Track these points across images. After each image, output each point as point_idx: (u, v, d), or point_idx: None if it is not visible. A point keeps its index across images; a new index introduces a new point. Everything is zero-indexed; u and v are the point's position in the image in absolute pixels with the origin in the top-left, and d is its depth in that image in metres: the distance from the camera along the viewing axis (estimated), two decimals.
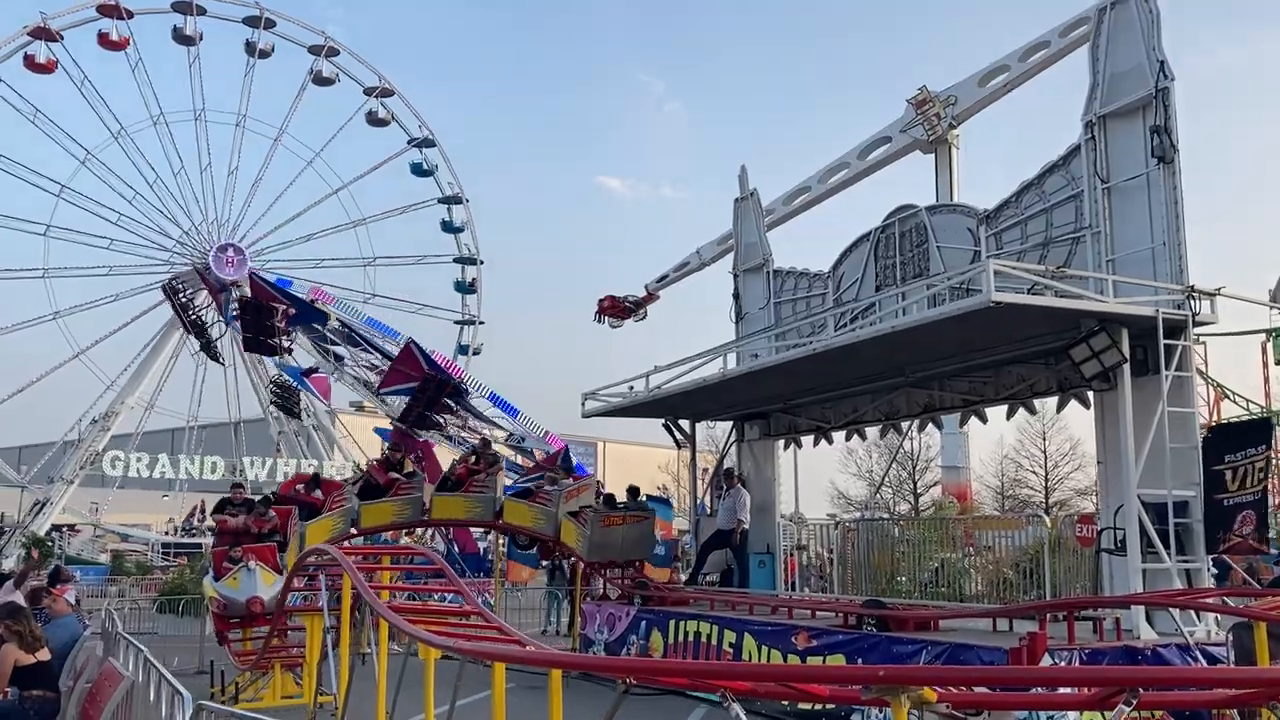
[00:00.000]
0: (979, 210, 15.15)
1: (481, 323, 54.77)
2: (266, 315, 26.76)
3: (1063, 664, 10.10)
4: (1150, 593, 11.03)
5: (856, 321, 15.85)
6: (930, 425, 19.86)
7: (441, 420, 27.05)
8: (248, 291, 33.93)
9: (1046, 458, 54.79)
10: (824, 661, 12.38)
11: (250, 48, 53.18)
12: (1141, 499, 11.63)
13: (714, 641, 14.40)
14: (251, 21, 52.75)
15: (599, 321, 23.95)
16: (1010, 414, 14.87)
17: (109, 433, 51.61)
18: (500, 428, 30.66)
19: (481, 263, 54.61)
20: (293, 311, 28.03)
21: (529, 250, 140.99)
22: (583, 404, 18.88)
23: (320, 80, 53.94)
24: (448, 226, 54.11)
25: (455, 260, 54.55)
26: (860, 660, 11.84)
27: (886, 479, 57.61)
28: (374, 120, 54.24)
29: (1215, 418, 49.84)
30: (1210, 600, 10.43)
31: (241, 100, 54.13)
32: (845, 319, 16.29)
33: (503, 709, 6.00)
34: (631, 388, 18.06)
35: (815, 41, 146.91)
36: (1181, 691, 4.61)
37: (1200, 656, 10.29)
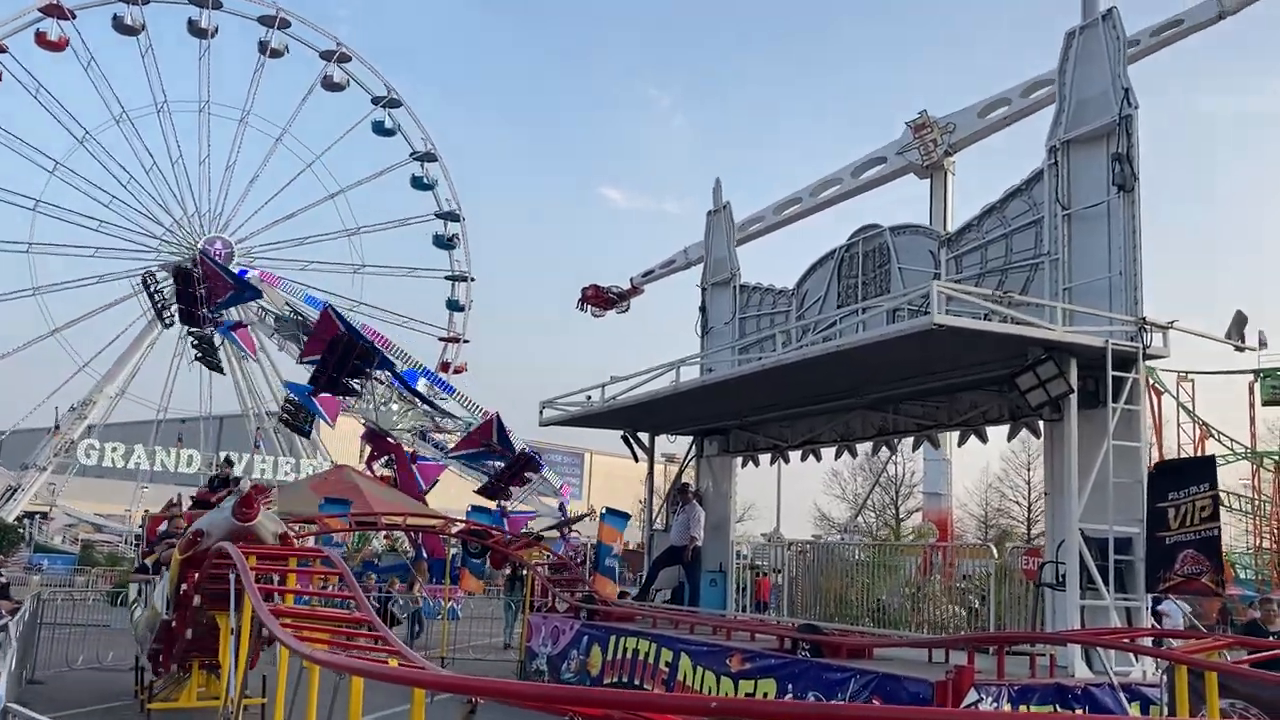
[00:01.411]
0: (940, 233, 14.94)
1: (466, 341, 54.61)
2: (195, 285, 26.66)
3: (989, 699, 9.84)
4: (1075, 630, 10.78)
5: (813, 341, 15.59)
6: (916, 449, 19.60)
7: (356, 385, 26.44)
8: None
9: (1030, 488, 54.53)
10: (755, 684, 12.10)
11: (263, 46, 53.19)
12: (1084, 533, 11.37)
13: (651, 660, 14.10)
14: (267, 21, 52.75)
15: (581, 309, 23.99)
16: (962, 440, 14.61)
17: (85, 421, 51.33)
18: (437, 407, 30.60)
19: (472, 279, 54.52)
20: (231, 289, 27.87)
21: (526, 259, 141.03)
22: (540, 412, 18.61)
23: (330, 85, 53.96)
24: (441, 242, 54.02)
25: (447, 277, 54.46)
26: (790, 685, 11.56)
27: (869, 503, 57.37)
28: (379, 130, 54.20)
29: (1201, 455, 49.70)
30: (1128, 640, 10.17)
31: (248, 97, 54.17)
32: (803, 336, 16.03)
33: None
34: (589, 397, 17.80)
35: (823, 61, 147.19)
36: None
37: (1123, 698, 9.99)
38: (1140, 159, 12.19)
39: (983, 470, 59.83)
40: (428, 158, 54.09)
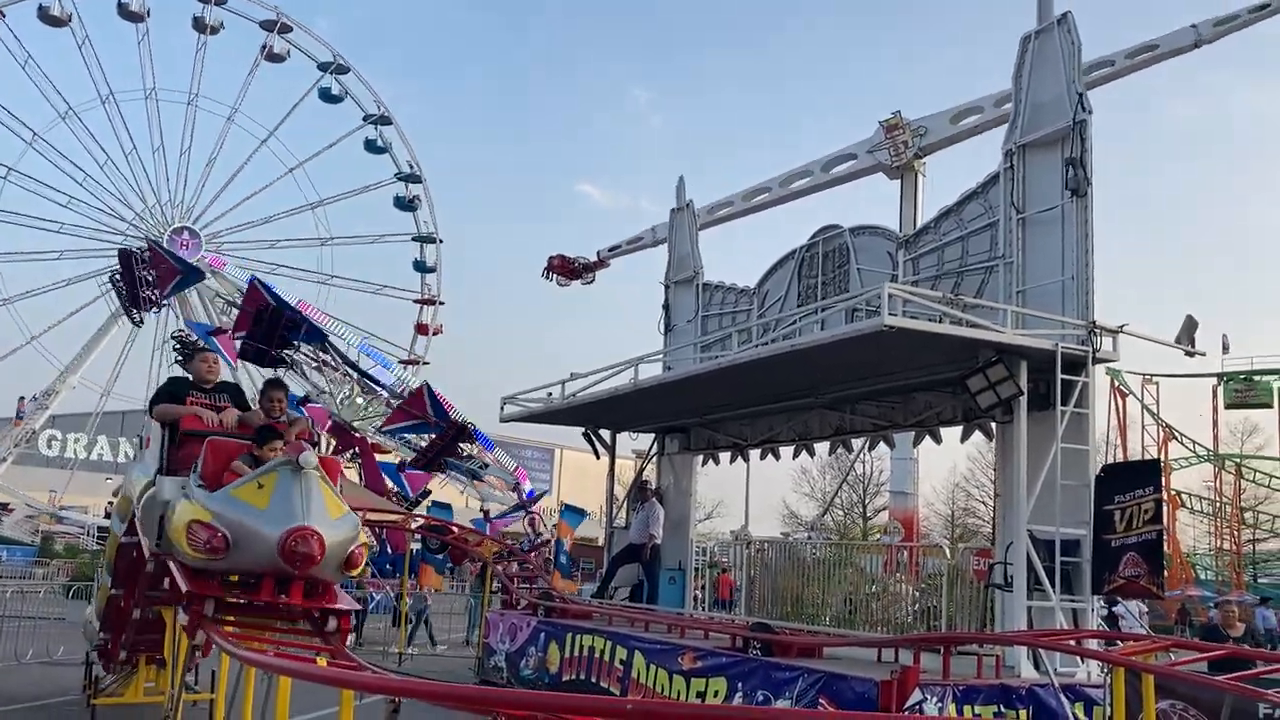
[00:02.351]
0: (899, 234, 15.00)
1: (441, 303, 53.98)
2: (137, 267, 26.28)
3: (934, 699, 9.90)
4: (1021, 631, 10.87)
5: (773, 340, 15.63)
6: (883, 446, 19.67)
7: (286, 358, 26.05)
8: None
9: (996, 489, 54.95)
10: (707, 683, 12.12)
11: (199, 24, 52.10)
12: (1033, 535, 11.47)
13: (606, 657, 14.11)
14: None
15: (546, 278, 24.11)
16: (917, 441, 14.73)
17: (47, 411, 50.70)
18: (375, 381, 30.43)
19: (440, 241, 53.84)
20: (178, 274, 27.44)
21: (500, 253, 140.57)
22: (501, 408, 18.56)
23: (272, 57, 52.90)
24: (402, 203, 53.19)
25: (414, 239, 53.76)
26: (741, 684, 11.59)
27: (838, 501, 57.61)
28: (327, 97, 53.13)
29: (1165, 458, 50.34)
30: (1072, 642, 10.26)
31: (192, 79, 53.09)
32: (763, 335, 16.07)
33: None
34: (550, 394, 17.77)
35: (803, 62, 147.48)
36: None
37: (1064, 699, 10.09)
38: (1093, 163, 12.29)
39: (950, 469, 60.27)
40: (382, 120, 53.30)
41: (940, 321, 12.11)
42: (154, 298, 27.57)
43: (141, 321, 30.31)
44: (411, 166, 53.36)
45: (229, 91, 54.46)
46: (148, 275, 25.85)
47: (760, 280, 17.42)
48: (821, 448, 17.04)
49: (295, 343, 23.35)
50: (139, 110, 52.52)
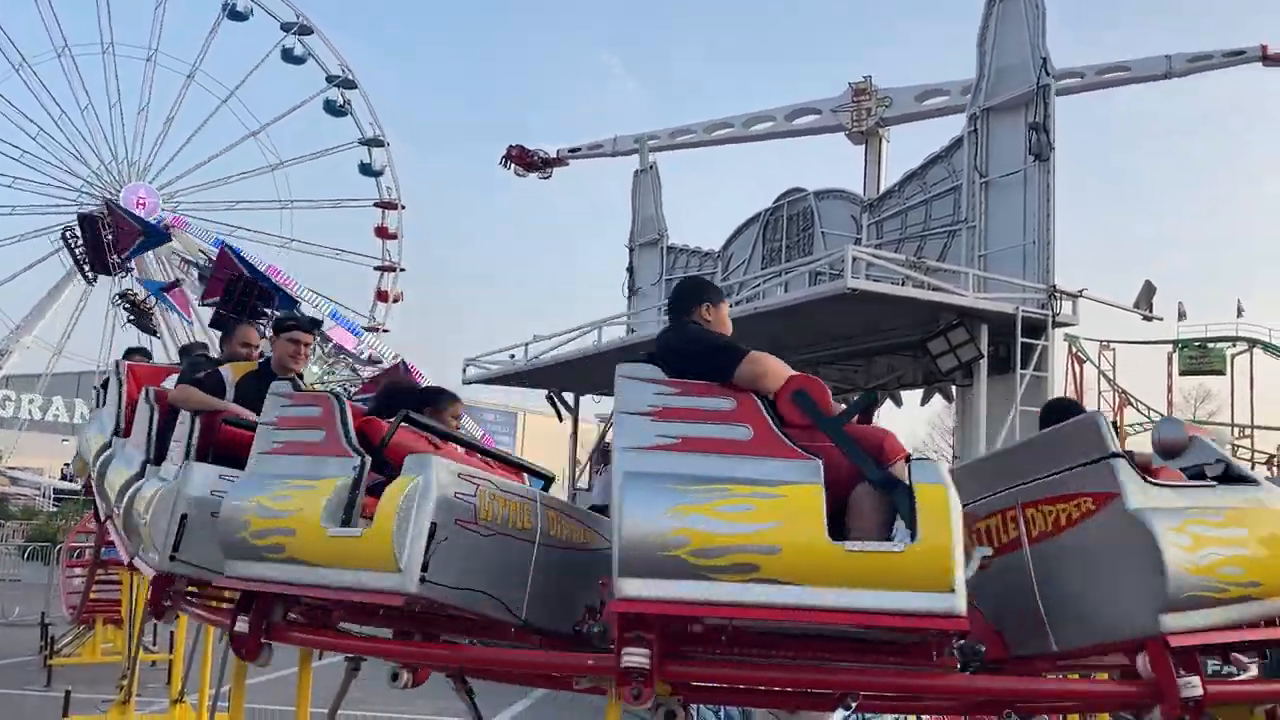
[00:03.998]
0: (863, 198, 15.03)
1: (403, 269, 53.28)
2: (103, 230, 25.86)
3: None
4: None
5: (738, 302, 15.65)
6: None
7: (258, 326, 25.83)
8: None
9: (953, 452, 55.60)
10: None
11: None
12: None
13: None
14: None
15: (504, 166, 24.04)
16: (879, 403, 14.79)
17: (1, 371, 49.84)
18: (348, 353, 30.31)
19: (403, 207, 53.10)
20: (140, 235, 27.01)
21: (466, 220, 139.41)
22: (464, 370, 18.48)
23: (234, 15, 51.67)
24: (367, 169, 52.36)
25: (375, 204, 52.95)
26: None
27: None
28: (290, 57, 52.00)
29: (1121, 424, 51.12)
30: None
31: (152, 34, 51.71)
32: (727, 298, 16.08)
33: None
34: (513, 355, 17.71)
35: (777, 28, 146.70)
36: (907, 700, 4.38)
37: None
38: (1056, 129, 12.36)
39: (909, 435, 60.81)
40: (346, 83, 52.26)
41: (903, 285, 12.17)
42: (119, 261, 27.05)
43: (95, 280, 29.71)
44: (375, 130, 52.46)
45: (190, 49, 53.24)
46: (110, 238, 25.35)
47: (725, 243, 17.42)
48: None
49: (268, 312, 23.09)
50: (96, 65, 51.21)
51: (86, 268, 45.13)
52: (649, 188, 19.57)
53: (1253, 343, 36.20)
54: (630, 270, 19.65)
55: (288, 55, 51.31)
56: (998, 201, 12.86)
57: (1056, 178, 12.26)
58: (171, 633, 11.99)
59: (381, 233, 52.00)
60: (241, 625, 3.70)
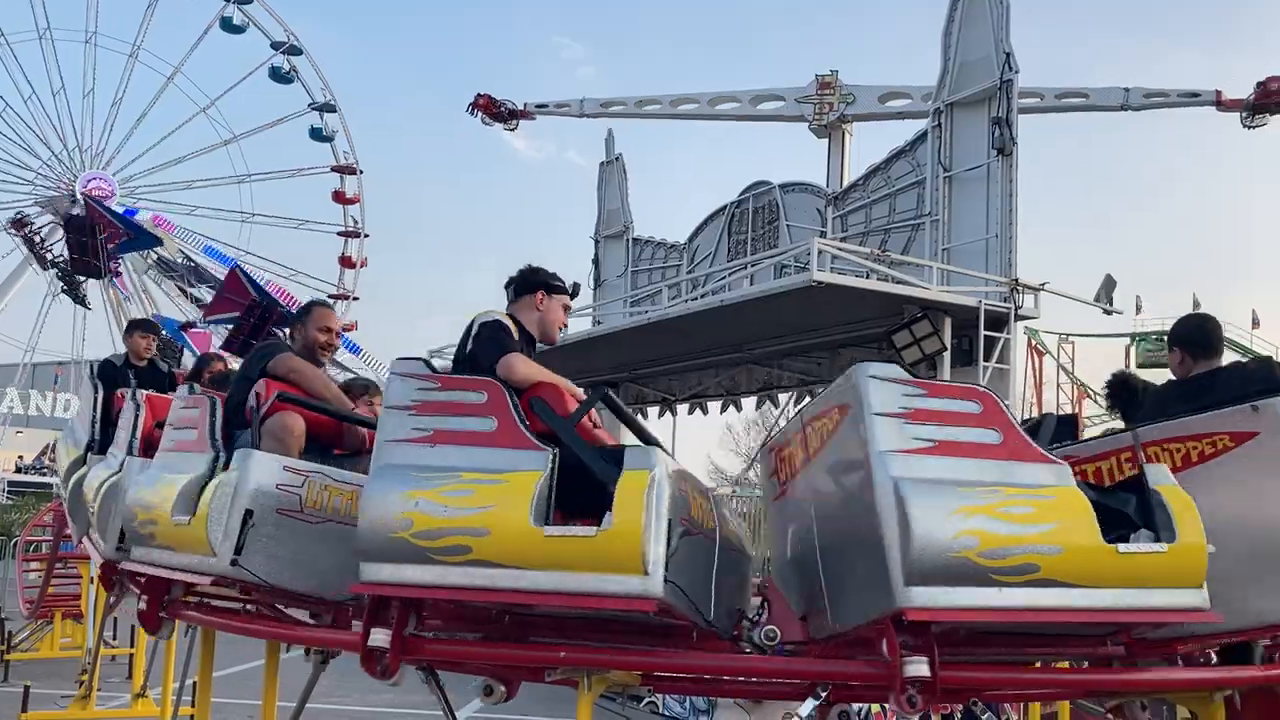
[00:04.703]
0: (828, 191, 15.11)
1: (367, 235, 52.52)
2: (91, 235, 25.41)
3: None
4: None
5: (704, 295, 15.70)
6: (799, 404, 19.94)
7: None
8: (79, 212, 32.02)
9: None
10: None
11: None
12: None
13: None
14: None
15: (471, 114, 24.04)
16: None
17: None
18: (343, 367, 30.07)
19: (361, 172, 52.15)
20: (122, 235, 26.65)
21: (422, 203, 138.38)
22: (428, 362, 18.36)
23: (228, 26, 50.85)
24: (319, 134, 51.46)
25: (333, 169, 52.07)
26: None
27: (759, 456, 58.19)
28: (277, 76, 51.42)
29: (1080, 415, 51.82)
30: None
31: (88, 15, 50.67)
32: (693, 290, 16.12)
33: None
34: None
35: (741, 16, 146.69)
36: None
37: None
38: (1018, 123, 12.49)
39: None
40: (291, 50, 51.39)
41: (867, 278, 12.25)
42: (111, 267, 26.68)
43: (98, 279, 29.07)
44: (326, 95, 51.60)
45: (128, 28, 52.07)
46: (103, 240, 24.98)
47: (690, 236, 17.44)
48: (749, 403, 17.22)
49: (281, 334, 23.07)
50: (33, 51, 50.10)
51: (52, 258, 44.43)
52: (614, 179, 19.56)
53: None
54: (595, 262, 19.63)
55: (227, 25, 50.33)
56: (961, 196, 12.99)
57: (1020, 172, 12.40)
58: (132, 627, 11.85)
59: (340, 198, 51.42)
60: (143, 604, 4.29)
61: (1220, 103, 16.20)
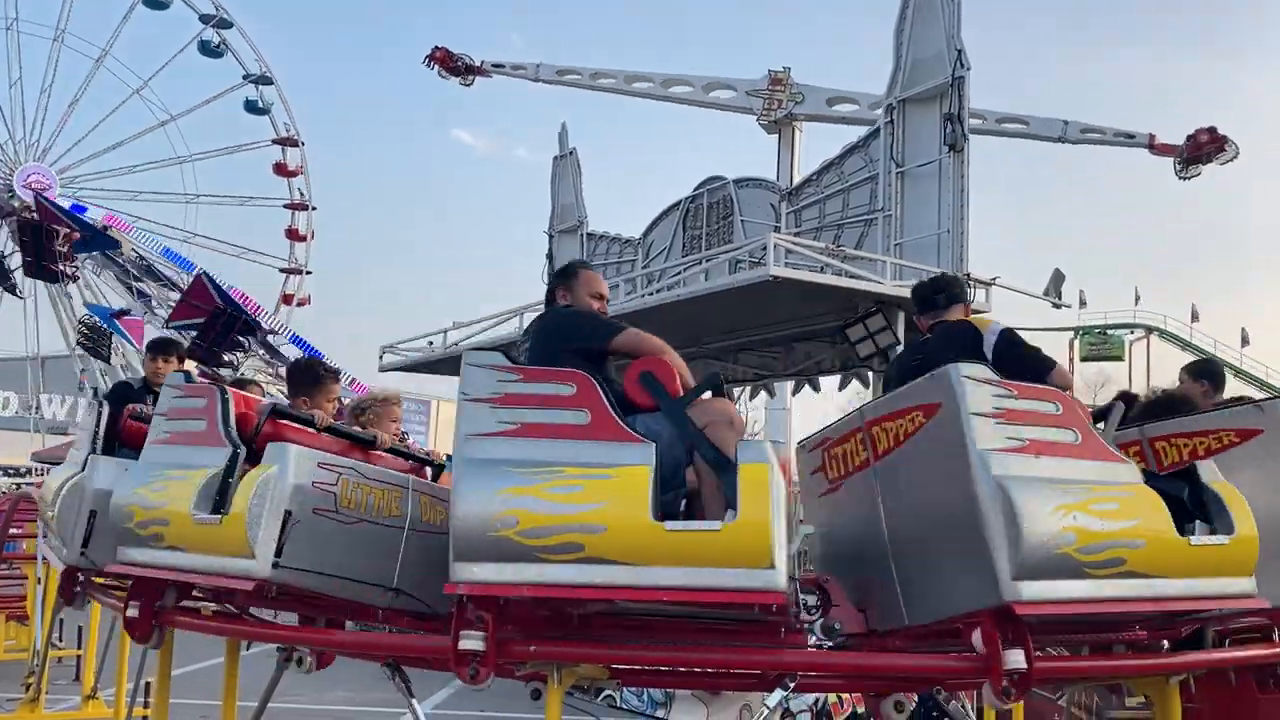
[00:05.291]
0: (782, 186, 15.20)
1: (309, 272, 52.09)
2: (49, 238, 24.80)
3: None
4: None
5: (659, 290, 15.72)
6: (761, 396, 19.98)
7: (233, 358, 25.56)
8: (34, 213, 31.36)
9: None
10: None
11: None
12: None
13: None
14: None
15: (428, 67, 23.92)
16: (797, 389, 15.06)
17: None
18: (279, 354, 29.82)
19: (314, 209, 51.92)
20: (77, 236, 26.07)
21: (371, 198, 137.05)
22: (380, 357, 18.23)
23: (152, 3, 50.09)
24: (254, 107, 50.77)
25: (286, 206, 51.76)
26: None
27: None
28: (207, 50, 50.75)
29: None
30: None
31: (61, 13, 49.83)
32: (648, 285, 16.13)
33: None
34: (431, 343, 17.53)
35: (690, 9, 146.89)
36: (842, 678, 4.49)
37: None
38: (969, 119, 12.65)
39: (822, 419, 61.85)
40: (262, 80, 50.71)
41: (822, 272, 12.35)
42: (69, 271, 26.01)
43: (61, 277, 28.23)
44: (261, 68, 50.96)
45: (100, 31, 51.13)
46: (62, 249, 24.38)
47: (645, 231, 17.46)
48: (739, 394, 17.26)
49: (246, 342, 22.86)
50: None
51: (17, 273, 43.24)
52: (568, 174, 19.52)
53: (1150, 329, 37.61)
54: (550, 257, 19.58)
55: (206, 48, 49.90)
56: (913, 191, 13.13)
57: (971, 168, 12.57)
58: (80, 628, 11.62)
59: (282, 170, 50.83)
60: (133, 610, 3.86)
61: (1153, 147, 16.87)
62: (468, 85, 23.95)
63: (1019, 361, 3.78)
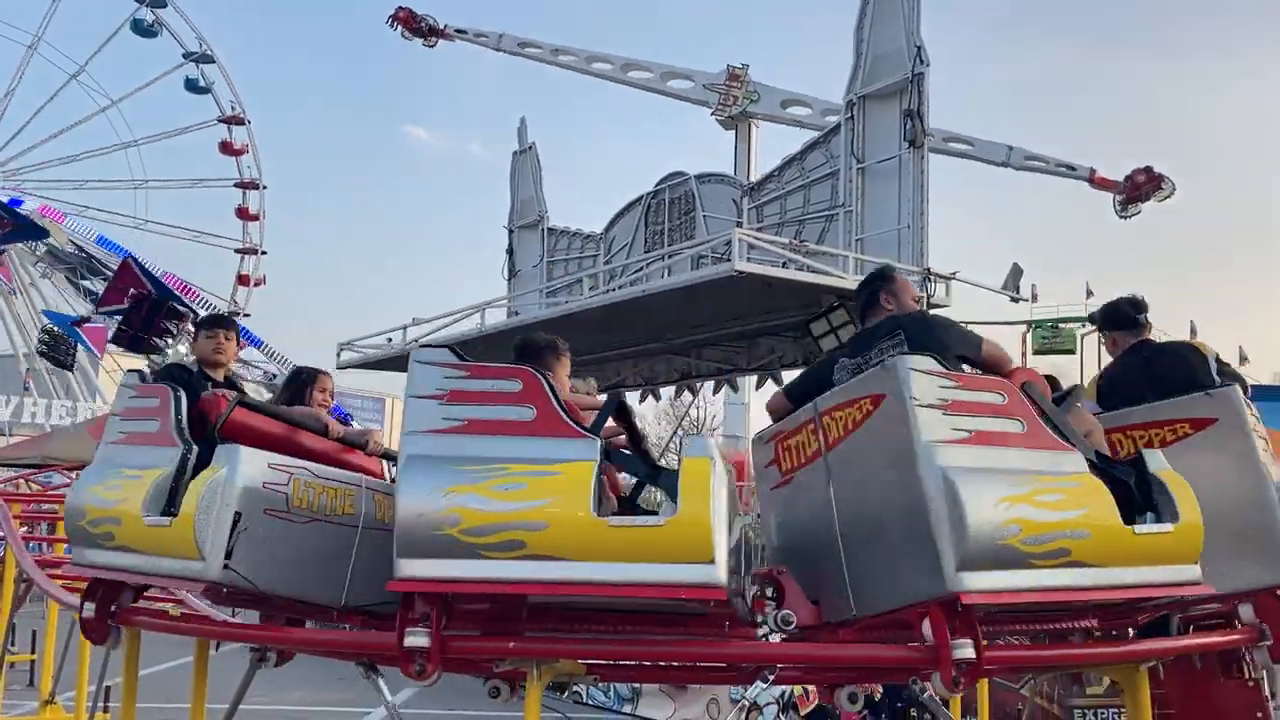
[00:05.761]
0: (744, 182, 15.25)
1: (264, 252, 51.21)
2: (151, 311, 24.27)
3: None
4: None
5: (622, 285, 15.71)
6: (717, 392, 20.00)
7: (162, 344, 25.06)
8: None
9: None
10: None
11: None
12: None
13: None
14: None
15: (391, 27, 23.89)
16: (760, 384, 15.12)
17: None
18: (247, 362, 29.48)
19: (264, 187, 51.00)
20: (8, 227, 25.49)
21: (322, 195, 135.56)
22: (338, 355, 18.05)
23: None
24: (194, 86, 49.90)
25: (236, 185, 50.83)
26: None
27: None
28: (141, 30, 49.56)
29: None
30: None
31: None
32: (610, 281, 16.13)
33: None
34: (390, 339, 17.37)
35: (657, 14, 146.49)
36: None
37: None
38: (930, 116, 12.76)
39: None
40: (203, 59, 49.74)
41: (785, 267, 12.40)
42: (159, 343, 25.40)
43: None
44: (201, 46, 50.04)
45: (31, 18, 50.05)
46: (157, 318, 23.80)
47: (607, 226, 17.44)
48: (667, 392, 17.28)
49: (174, 329, 22.36)
50: None
51: None
52: (528, 169, 19.45)
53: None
54: (510, 252, 19.50)
55: (140, 28, 48.86)
56: (874, 187, 13.23)
57: (930, 163, 12.68)
58: (34, 632, 11.40)
59: (228, 149, 50.10)
60: (88, 611, 3.85)
61: (1093, 180, 17.20)
62: (430, 46, 23.99)
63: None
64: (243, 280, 50.53)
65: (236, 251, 50.64)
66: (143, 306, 21.32)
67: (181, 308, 21.99)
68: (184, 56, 49.05)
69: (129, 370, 5.13)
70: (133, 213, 50.17)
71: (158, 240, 49.43)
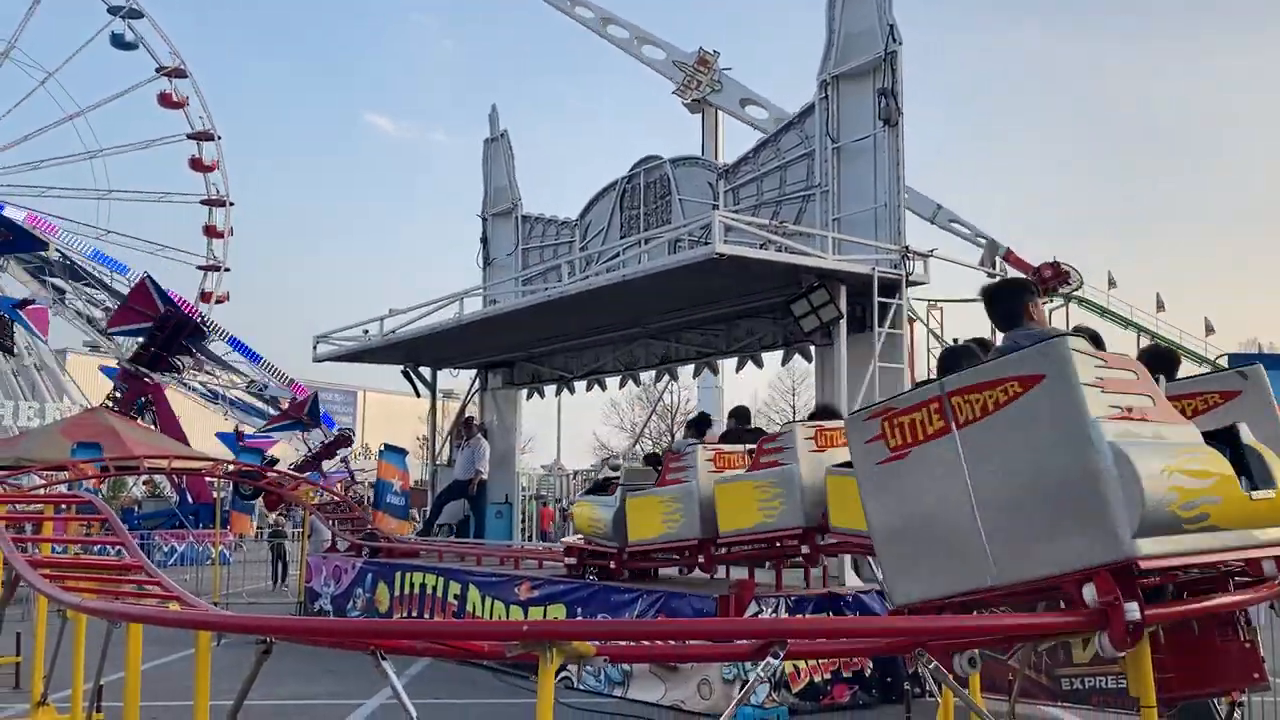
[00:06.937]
0: (719, 165, 15.24)
1: (228, 269, 51.02)
2: (175, 332, 24.04)
3: (768, 611, 10.31)
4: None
5: (596, 270, 15.68)
6: (697, 376, 19.98)
7: (179, 363, 25.13)
8: None
9: (795, 412, 57.22)
10: (545, 611, 12.23)
11: None
12: None
13: (439, 593, 14.00)
14: None
15: None
16: (740, 366, 15.15)
17: None
18: (240, 373, 29.31)
19: (232, 204, 50.75)
20: (9, 236, 25.34)
21: (284, 188, 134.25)
22: (314, 347, 17.90)
23: None
24: (120, 42, 49.46)
25: (203, 202, 50.55)
26: (580, 609, 11.75)
27: (647, 431, 58.72)
28: (120, 44, 49.21)
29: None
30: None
31: None
32: (587, 267, 16.09)
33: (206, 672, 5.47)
34: (366, 331, 17.26)
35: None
36: (831, 641, 4.57)
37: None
38: (904, 94, 12.78)
39: (753, 396, 62.32)
40: (176, 73, 49.57)
41: (763, 248, 12.41)
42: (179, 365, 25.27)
43: None
44: (175, 60, 49.59)
45: (4, 22, 49.32)
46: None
47: (582, 212, 17.38)
48: (646, 377, 17.30)
49: (193, 349, 22.36)
50: None
51: None
52: (500, 156, 19.34)
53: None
54: (484, 241, 19.40)
55: (117, 41, 48.59)
56: (849, 166, 13.25)
57: (906, 142, 12.72)
58: (18, 634, 11.29)
59: (198, 165, 49.86)
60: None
61: (1009, 259, 17.52)
62: None
63: None
64: (205, 297, 50.28)
65: (200, 268, 50.34)
66: (165, 327, 21.36)
67: (201, 327, 22.13)
68: (157, 71, 48.71)
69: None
70: (95, 223, 49.69)
71: (118, 252, 48.95)
